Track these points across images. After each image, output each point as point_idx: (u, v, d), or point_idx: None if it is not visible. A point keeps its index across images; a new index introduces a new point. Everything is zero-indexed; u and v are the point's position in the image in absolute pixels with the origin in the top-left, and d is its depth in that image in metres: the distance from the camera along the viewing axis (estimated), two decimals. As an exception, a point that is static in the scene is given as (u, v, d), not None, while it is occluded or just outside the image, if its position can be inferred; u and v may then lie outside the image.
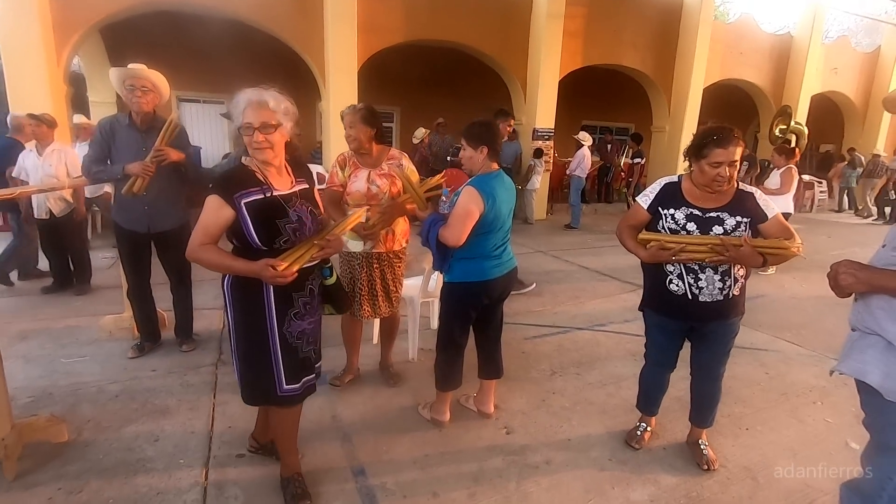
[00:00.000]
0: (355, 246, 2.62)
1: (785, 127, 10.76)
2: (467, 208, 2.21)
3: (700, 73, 10.68)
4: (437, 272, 2.79)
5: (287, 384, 1.81)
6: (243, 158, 1.79)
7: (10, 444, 2.02)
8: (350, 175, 2.63)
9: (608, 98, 12.99)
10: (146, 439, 2.33)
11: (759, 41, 11.96)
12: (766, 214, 1.99)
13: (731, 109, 12.53)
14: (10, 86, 6.01)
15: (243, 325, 1.78)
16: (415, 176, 2.59)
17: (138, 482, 2.04)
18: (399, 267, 2.78)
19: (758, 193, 2.03)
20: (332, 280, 1.94)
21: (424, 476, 2.15)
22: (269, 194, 1.71)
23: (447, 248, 2.27)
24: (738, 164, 1.94)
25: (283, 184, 1.79)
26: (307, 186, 1.89)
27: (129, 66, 2.89)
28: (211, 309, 4.00)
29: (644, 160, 8.20)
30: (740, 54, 11.65)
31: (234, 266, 1.69)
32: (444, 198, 2.53)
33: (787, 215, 5.55)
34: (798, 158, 6.09)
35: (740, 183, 2.06)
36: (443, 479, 2.13)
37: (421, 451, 2.31)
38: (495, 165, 2.39)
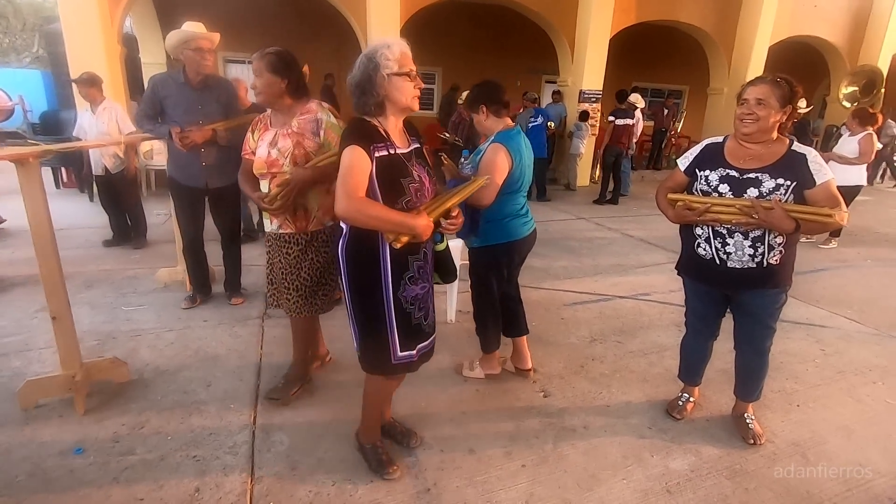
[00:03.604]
0: (268, 224, 2.22)
1: (855, 88, 9.70)
2: (498, 164, 2.19)
3: (767, 28, 9.83)
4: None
5: (401, 351, 1.74)
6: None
7: (79, 381, 2.19)
8: (259, 139, 2.16)
9: (661, 58, 12.21)
10: (199, 384, 2.47)
11: (838, -8, 10.85)
12: (814, 180, 1.81)
13: (799, 70, 11.48)
14: (69, 48, 6.24)
15: (359, 290, 1.69)
16: (339, 132, 2.07)
17: (193, 422, 2.17)
18: (324, 253, 2.21)
19: (811, 155, 1.85)
20: (443, 246, 1.84)
21: (461, 432, 2.18)
22: (392, 151, 1.61)
23: (477, 211, 2.24)
24: (766, 103, 1.81)
25: (402, 141, 1.69)
26: (420, 145, 1.78)
27: (188, 27, 2.87)
28: (259, 265, 4.14)
29: (633, 121, 7.54)
30: (814, 7, 10.61)
31: (394, 218, 1.54)
32: (463, 159, 2.42)
33: (858, 187, 5.12)
34: (880, 125, 5.51)
35: (795, 143, 1.90)
36: (479, 437, 2.16)
37: (458, 409, 2.35)
38: (510, 122, 2.34)
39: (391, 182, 1.60)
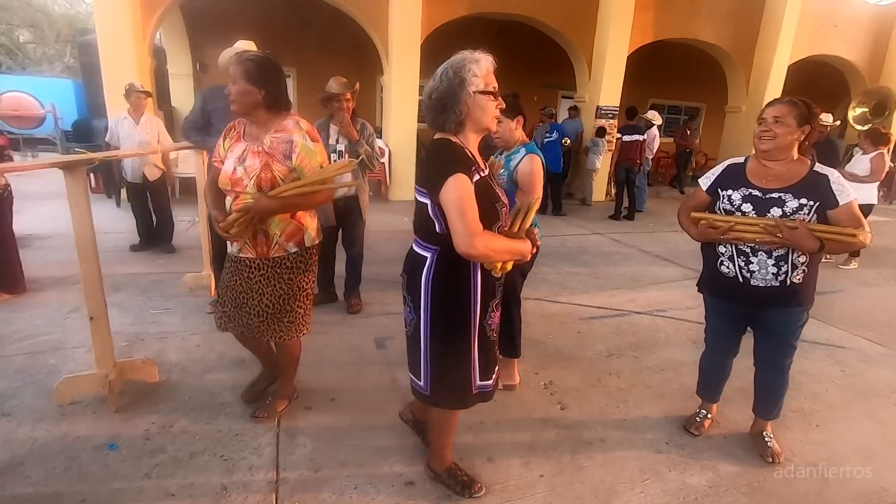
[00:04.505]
0: (229, 246, 2.10)
1: (865, 110, 9.50)
2: (539, 174, 2.32)
3: (786, 47, 9.83)
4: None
5: (481, 380, 1.71)
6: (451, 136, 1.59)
7: (113, 380, 2.27)
8: (229, 149, 2.01)
9: (678, 75, 12.24)
10: (225, 386, 2.54)
11: (858, 12, 10.79)
12: (837, 200, 1.84)
13: (818, 89, 11.50)
14: (103, 58, 6.49)
15: (445, 321, 1.62)
16: (313, 158, 1.95)
17: (220, 423, 2.24)
18: (288, 280, 2.06)
19: (834, 176, 1.88)
20: (509, 267, 1.73)
21: (479, 441, 2.22)
22: (482, 174, 1.54)
23: None
24: (783, 122, 1.87)
25: (482, 163, 1.62)
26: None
27: (242, 45, 3.00)
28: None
29: (643, 137, 7.51)
30: (834, 27, 10.59)
31: (512, 247, 1.52)
32: (502, 170, 2.46)
33: (870, 206, 5.10)
34: (892, 143, 5.50)
35: (816, 164, 1.94)
36: (497, 446, 2.19)
37: (476, 419, 2.37)
38: (525, 136, 2.48)
39: (488, 208, 1.52)
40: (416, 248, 1.66)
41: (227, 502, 1.79)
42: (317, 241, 2.16)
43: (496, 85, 1.54)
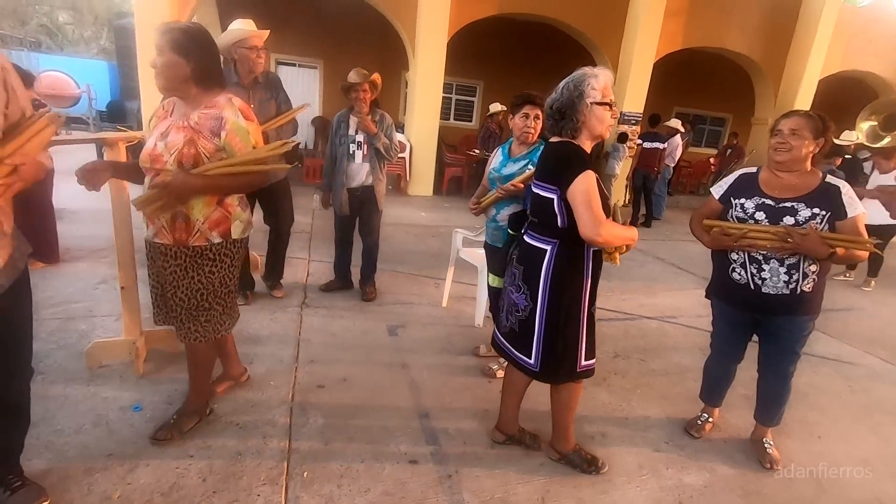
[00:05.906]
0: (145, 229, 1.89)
1: (874, 124, 8.98)
2: None
3: (817, 61, 9.68)
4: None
5: (586, 360, 1.88)
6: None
7: (139, 347, 2.41)
8: (154, 127, 1.85)
9: (704, 84, 12.13)
10: (242, 360, 2.62)
11: (894, 29, 10.56)
12: (846, 212, 1.90)
13: (849, 105, 11.26)
14: (140, 43, 6.71)
15: (559, 307, 1.78)
16: (245, 137, 1.79)
17: (237, 394, 2.36)
18: (208, 274, 1.86)
19: (845, 188, 1.93)
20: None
21: (483, 428, 2.29)
22: (596, 175, 1.72)
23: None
24: (800, 134, 1.92)
25: None
26: None
27: (241, 25, 2.85)
28: (297, 258, 4.37)
29: (663, 145, 7.40)
30: (869, 42, 10.38)
31: (629, 234, 1.75)
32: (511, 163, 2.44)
33: (894, 227, 5.02)
34: None
35: (828, 175, 1.98)
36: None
37: (481, 406, 2.46)
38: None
39: (604, 206, 1.70)
40: (531, 241, 1.83)
41: (241, 466, 1.90)
42: (246, 235, 1.97)
43: (613, 97, 1.73)
